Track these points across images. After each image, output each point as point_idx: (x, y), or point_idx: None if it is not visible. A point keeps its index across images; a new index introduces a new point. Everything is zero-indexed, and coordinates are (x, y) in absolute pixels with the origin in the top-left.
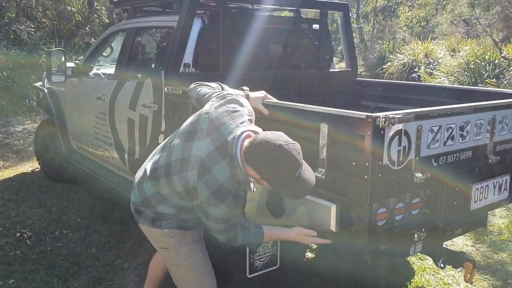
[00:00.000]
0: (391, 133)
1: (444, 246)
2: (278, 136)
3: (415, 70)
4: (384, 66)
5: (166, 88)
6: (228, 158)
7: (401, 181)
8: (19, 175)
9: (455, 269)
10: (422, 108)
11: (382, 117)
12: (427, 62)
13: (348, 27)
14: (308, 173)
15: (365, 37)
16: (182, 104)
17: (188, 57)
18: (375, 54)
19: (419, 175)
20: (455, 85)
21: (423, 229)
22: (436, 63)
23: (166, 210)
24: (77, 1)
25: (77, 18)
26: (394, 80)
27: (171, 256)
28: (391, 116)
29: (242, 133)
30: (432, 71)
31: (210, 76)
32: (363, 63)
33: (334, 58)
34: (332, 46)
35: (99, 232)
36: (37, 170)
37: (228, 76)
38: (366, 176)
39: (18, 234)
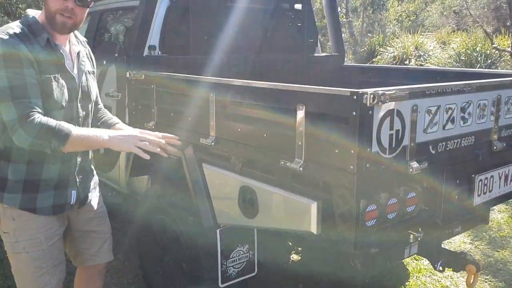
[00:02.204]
0: (381, 114)
1: (442, 246)
2: None
3: (405, 63)
4: (374, 60)
5: (128, 73)
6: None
7: (394, 172)
8: None
9: (455, 272)
10: (417, 85)
11: (370, 94)
12: (417, 54)
13: (333, 7)
14: None
15: (354, 31)
16: (145, 90)
17: (154, 39)
18: (365, 48)
19: (415, 164)
20: (452, 68)
21: (420, 229)
22: (427, 55)
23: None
24: None
25: None
26: None
27: (9, 243)
28: (381, 92)
29: None
30: (422, 64)
31: (179, 60)
32: (353, 57)
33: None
34: (317, 28)
35: None
36: None
37: (200, 60)
38: (351, 167)
39: None
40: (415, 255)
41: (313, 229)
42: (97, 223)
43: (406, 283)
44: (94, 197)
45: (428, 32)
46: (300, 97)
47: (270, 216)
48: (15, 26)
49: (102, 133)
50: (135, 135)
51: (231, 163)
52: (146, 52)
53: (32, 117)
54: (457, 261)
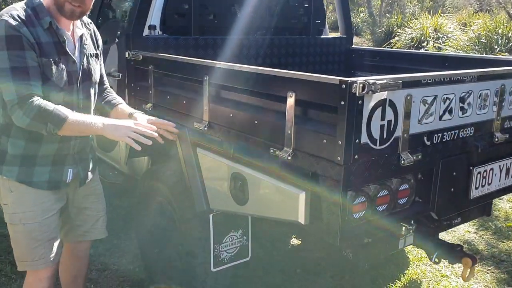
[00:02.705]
0: (371, 104)
1: (440, 238)
2: None
3: (423, 45)
4: (391, 41)
5: (127, 53)
6: None
7: (385, 163)
8: None
9: (450, 264)
10: (413, 74)
11: (360, 83)
12: (436, 36)
13: None
14: None
15: (373, 11)
16: (143, 71)
17: (154, 18)
18: (383, 28)
19: (407, 156)
20: (462, 53)
21: (412, 221)
22: (446, 37)
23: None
24: None
25: None
26: None
27: (8, 214)
28: (372, 81)
29: None
30: (441, 46)
31: (180, 41)
32: (370, 37)
33: None
34: (324, 9)
35: None
36: None
37: (202, 41)
38: (338, 158)
39: None
40: None
41: (301, 219)
42: (92, 200)
43: (405, 271)
44: (94, 176)
45: (448, 13)
46: (290, 84)
47: (259, 204)
48: (19, 8)
49: (98, 121)
50: (129, 126)
51: (223, 149)
52: (146, 32)
53: (31, 99)
54: (453, 253)
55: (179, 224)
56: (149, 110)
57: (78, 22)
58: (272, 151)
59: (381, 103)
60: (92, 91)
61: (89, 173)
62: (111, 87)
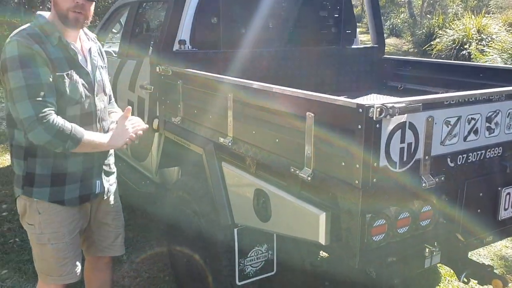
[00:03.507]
0: (390, 127)
1: (469, 257)
2: None
3: (465, 47)
4: (432, 43)
5: (158, 68)
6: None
7: (406, 186)
8: None
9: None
10: (434, 95)
11: (377, 107)
12: (479, 38)
13: None
14: None
15: (414, 11)
16: (172, 86)
17: (184, 33)
18: (424, 30)
19: (429, 178)
20: (499, 64)
21: (435, 243)
22: (490, 39)
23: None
24: None
25: None
26: (443, 58)
27: (35, 234)
28: (390, 105)
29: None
30: (484, 48)
31: (209, 55)
32: (411, 39)
33: None
34: (355, 18)
35: None
36: None
37: (230, 54)
38: (356, 181)
39: None
40: None
41: (321, 240)
42: (113, 217)
43: (436, 287)
44: (114, 191)
45: (492, 13)
46: (308, 104)
47: (281, 222)
48: (28, 28)
49: (104, 138)
50: (122, 133)
51: (247, 165)
52: (176, 46)
53: (51, 116)
54: (483, 274)
55: (205, 236)
56: (178, 123)
57: (83, 36)
58: (292, 170)
59: (401, 126)
60: (106, 102)
61: (112, 186)
62: (143, 99)
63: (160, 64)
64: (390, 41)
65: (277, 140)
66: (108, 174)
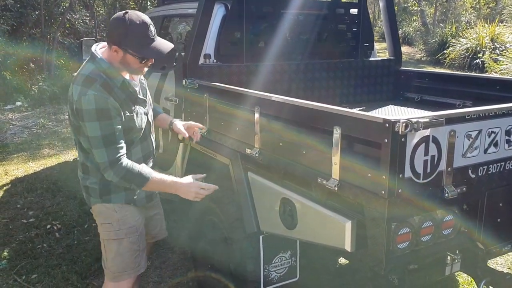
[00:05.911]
0: (414, 141)
1: (488, 265)
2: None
3: (478, 55)
4: (445, 51)
5: (184, 81)
6: (90, 58)
7: (429, 196)
8: (61, 163)
9: None
10: (455, 110)
11: (403, 122)
12: (492, 47)
13: (391, 10)
14: (162, 40)
15: (427, 20)
16: (198, 98)
17: (209, 48)
18: (436, 39)
19: (451, 189)
20: None
21: (457, 251)
22: (503, 47)
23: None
24: None
25: (132, 6)
26: (456, 66)
27: (112, 231)
28: (415, 120)
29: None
30: (497, 57)
31: (233, 68)
32: (423, 47)
33: None
34: (372, 32)
35: None
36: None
37: (254, 67)
38: (383, 192)
39: (48, 226)
40: None
41: (347, 247)
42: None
43: None
44: None
45: (506, 22)
46: (335, 119)
47: (307, 229)
48: (95, 76)
49: (172, 184)
50: (196, 191)
51: (273, 175)
52: (201, 60)
53: (120, 161)
54: (503, 282)
55: (230, 243)
56: (204, 134)
57: None
58: (319, 180)
59: (425, 140)
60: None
61: None
62: (168, 110)
63: (187, 78)
64: (403, 50)
65: (304, 152)
66: None
